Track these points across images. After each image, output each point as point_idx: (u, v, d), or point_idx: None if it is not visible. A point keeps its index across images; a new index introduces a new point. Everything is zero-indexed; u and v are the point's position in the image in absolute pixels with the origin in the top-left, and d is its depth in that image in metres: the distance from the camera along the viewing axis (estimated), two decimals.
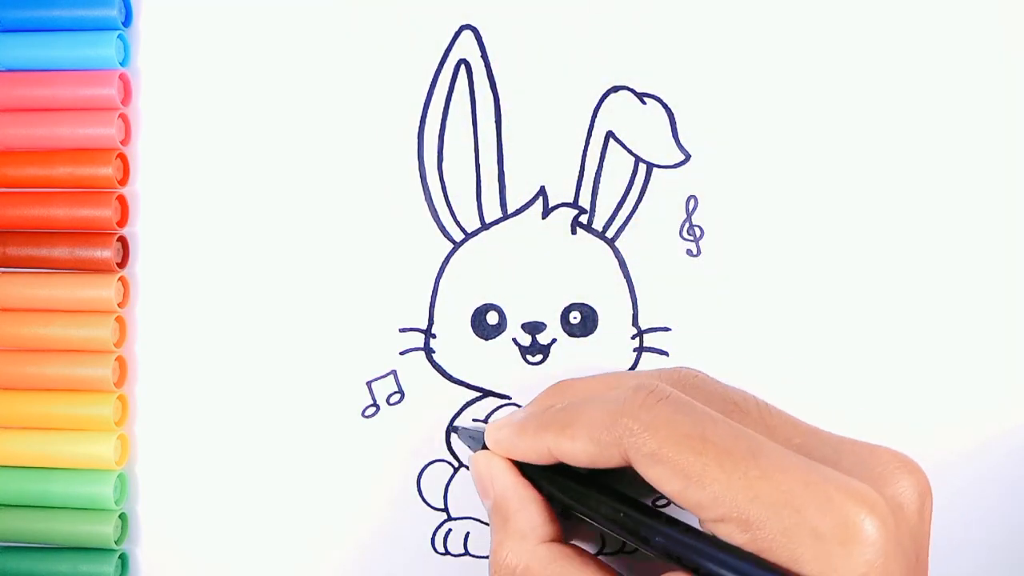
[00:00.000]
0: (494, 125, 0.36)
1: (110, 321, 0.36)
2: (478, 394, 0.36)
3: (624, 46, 0.36)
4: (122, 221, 0.37)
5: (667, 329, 0.36)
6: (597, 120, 0.36)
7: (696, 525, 0.27)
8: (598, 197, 0.36)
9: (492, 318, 0.36)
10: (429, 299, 0.36)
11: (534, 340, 0.36)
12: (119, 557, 0.36)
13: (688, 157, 0.36)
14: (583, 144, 0.36)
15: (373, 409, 0.37)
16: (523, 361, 0.36)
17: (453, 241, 0.36)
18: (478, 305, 0.36)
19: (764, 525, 0.25)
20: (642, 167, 0.36)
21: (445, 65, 0.36)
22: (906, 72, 0.36)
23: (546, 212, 0.36)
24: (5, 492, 0.36)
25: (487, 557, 0.37)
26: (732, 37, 0.36)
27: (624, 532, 0.28)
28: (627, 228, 0.36)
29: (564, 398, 0.32)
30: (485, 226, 0.36)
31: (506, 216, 0.36)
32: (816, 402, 0.36)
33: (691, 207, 0.36)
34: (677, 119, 0.36)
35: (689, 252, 0.36)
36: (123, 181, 0.37)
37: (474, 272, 0.36)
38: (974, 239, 0.36)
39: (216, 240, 0.37)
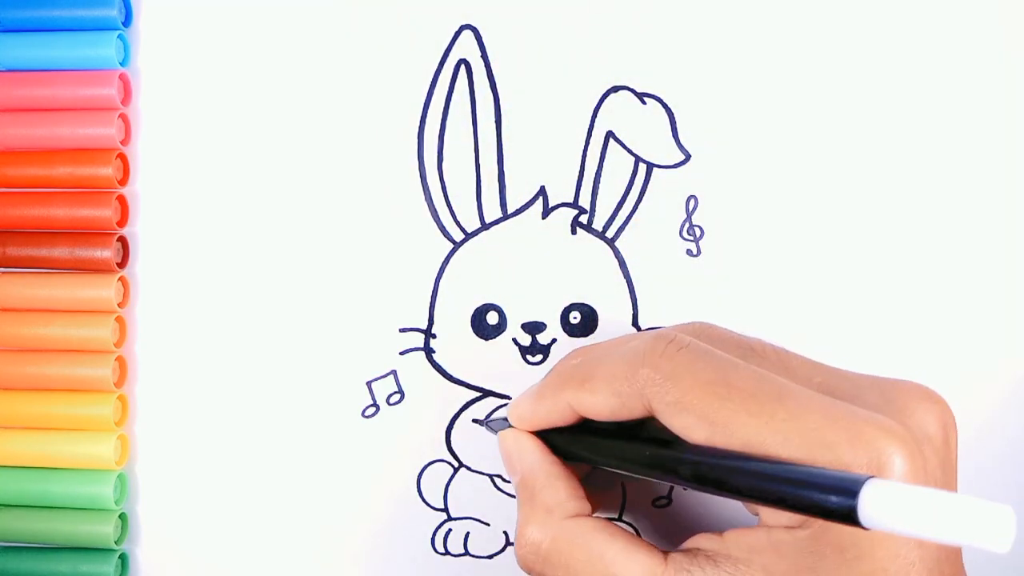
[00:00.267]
0: (494, 125, 0.36)
1: (110, 321, 0.36)
2: (478, 394, 0.36)
3: (624, 46, 0.36)
4: (122, 221, 0.37)
5: None
6: (597, 120, 0.36)
7: None
8: (598, 197, 0.36)
9: (492, 318, 0.36)
10: (429, 299, 0.36)
11: (534, 340, 0.36)
12: (119, 557, 0.36)
13: (688, 157, 0.36)
14: (583, 144, 0.36)
15: (373, 409, 0.37)
16: (523, 361, 0.36)
17: (453, 241, 0.36)
18: (478, 305, 0.36)
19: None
20: (642, 167, 0.36)
21: (445, 65, 0.36)
22: (906, 72, 0.36)
23: (546, 212, 0.36)
24: (5, 492, 0.36)
25: (487, 557, 0.37)
26: (732, 37, 0.36)
27: (654, 471, 0.28)
28: (627, 228, 0.36)
29: (577, 358, 0.32)
30: (485, 226, 0.36)
31: (506, 216, 0.36)
32: None
33: (691, 207, 0.36)
34: (677, 119, 0.36)
35: (689, 252, 0.36)
36: (123, 181, 0.37)
37: (474, 272, 0.36)
38: (974, 239, 0.36)
39: (216, 240, 0.37)
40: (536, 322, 0.36)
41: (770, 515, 0.26)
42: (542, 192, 0.36)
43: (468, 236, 0.36)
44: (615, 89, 0.36)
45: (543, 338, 0.36)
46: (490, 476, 0.37)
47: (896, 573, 0.25)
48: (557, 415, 0.30)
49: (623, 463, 0.29)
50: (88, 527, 0.36)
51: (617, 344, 0.32)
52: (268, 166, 0.37)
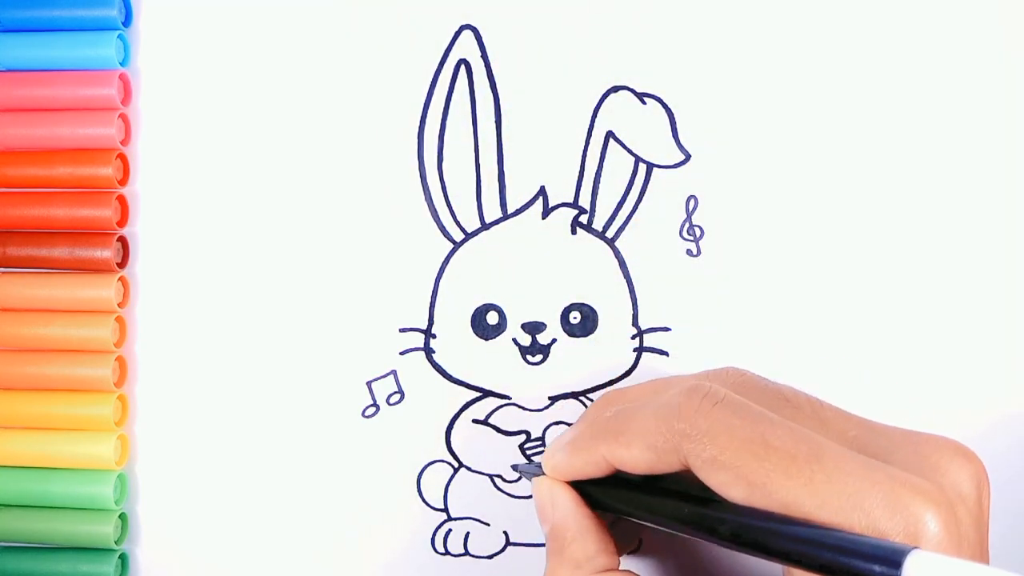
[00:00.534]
0: (494, 125, 0.36)
1: (110, 321, 0.36)
2: (478, 394, 0.36)
3: (624, 46, 0.36)
4: (122, 221, 0.37)
5: (667, 329, 0.36)
6: (597, 120, 0.36)
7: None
8: (598, 197, 0.36)
9: (492, 318, 0.36)
10: (429, 299, 0.36)
11: (534, 340, 0.36)
12: (119, 557, 0.36)
13: (688, 157, 0.36)
14: (583, 144, 0.36)
15: (373, 409, 0.37)
16: (523, 361, 0.36)
17: (453, 241, 0.36)
18: (478, 305, 0.36)
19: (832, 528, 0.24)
20: (642, 167, 0.36)
21: (445, 65, 0.36)
22: (906, 72, 0.36)
23: (546, 212, 0.36)
24: (5, 492, 0.36)
25: (487, 557, 0.37)
26: (732, 37, 0.36)
27: (690, 528, 0.27)
28: (627, 228, 0.36)
29: (612, 407, 0.32)
30: (485, 226, 0.36)
31: (506, 216, 0.36)
32: None
33: (691, 207, 0.36)
34: (677, 119, 0.36)
35: (689, 252, 0.36)
36: (123, 181, 0.37)
37: (474, 272, 0.36)
38: (974, 239, 0.36)
39: (216, 240, 0.37)
40: (536, 322, 0.36)
41: None
42: (542, 192, 0.36)
43: (468, 236, 0.36)
44: (615, 89, 0.36)
45: (543, 338, 0.36)
46: (490, 476, 0.37)
47: None
48: (592, 467, 0.30)
49: (660, 518, 0.29)
50: (88, 527, 0.36)
51: (652, 390, 0.32)
52: (268, 166, 0.37)
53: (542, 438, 0.36)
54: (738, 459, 0.26)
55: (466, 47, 0.36)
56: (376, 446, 0.37)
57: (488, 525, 0.37)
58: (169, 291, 0.37)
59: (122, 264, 0.37)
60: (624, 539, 0.33)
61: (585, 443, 0.30)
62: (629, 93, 0.36)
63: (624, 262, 0.36)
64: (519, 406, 0.36)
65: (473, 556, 0.37)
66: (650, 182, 0.36)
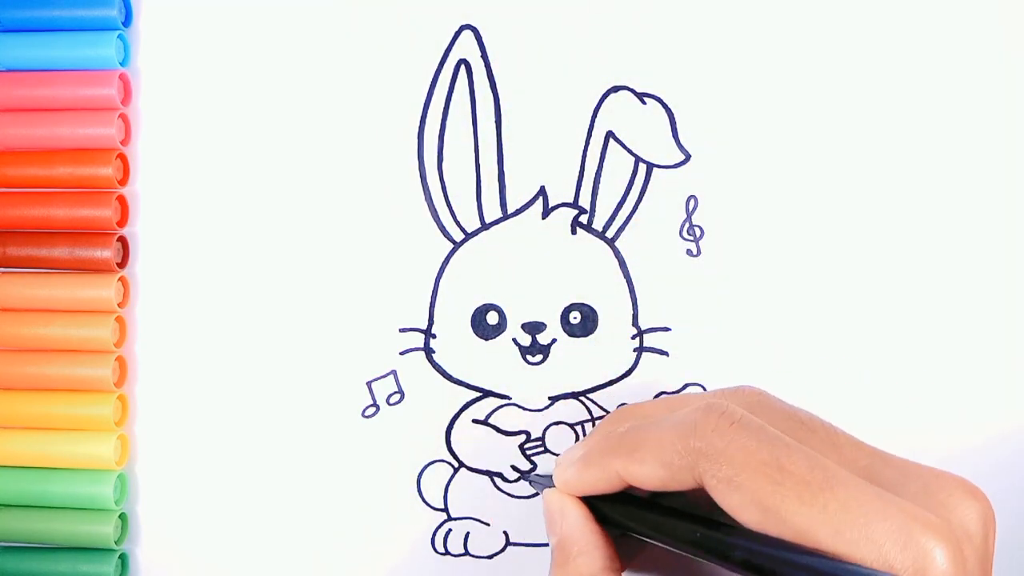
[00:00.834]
0: (494, 125, 0.36)
1: (110, 321, 0.36)
2: (478, 394, 0.36)
3: (624, 46, 0.36)
4: (122, 221, 0.37)
5: (667, 329, 0.36)
6: (597, 120, 0.36)
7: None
8: (598, 197, 0.36)
9: (492, 318, 0.36)
10: (429, 299, 0.36)
11: (534, 340, 0.36)
12: (119, 557, 0.36)
13: (688, 157, 0.36)
14: (583, 144, 0.36)
15: (373, 409, 0.37)
16: (523, 361, 0.36)
17: (453, 241, 0.36)
18: (478, 305, 0.36)
19: (843, 559, 0.25)
20: (642, 167, 0.36)
21: (445, 65, 0.36)
22: (906, 72, 0.36)
23: (546, 212, 0.36)
24: (5, 492, 0.36)
25: (487, 557, 0.37)
26: (732, 37, 0.36)
27: (701, 551, 0.27)
28: (627, 228, 0.36)
29: (626, 423, 0.32)
30: (485, 226, 0.36)
31: (506, 216, 0.36)
32: (816, 402, 0.36)
33: (691, 207, 0.36)
34: (677, 119, 0.36)
35: (689, 252, 0.36)
36: (123, 181, 0.37)
37: (474, 272, 0.36)
38: (975, 239, 0.36)
39: (216, 240, 0.37)
40: (536, 322, 0.36)
41: None
42: (542, 192, 0.36)
43: (468, 236, 0.36)
44: (615, 89, 0.36)
45: (543, 338, 0.36)
46: (490, 476, 0.37)
47: None
48: (604, 483, 0.30)
49: (670, 539, 0.28)
50: (88, 527, 0.36)
51: (667, 407, 0.32)
52: (268, 166, 0.37)
53: (542, 438, 0.36)
54: (753, 481, 0.26)
55: (466, 47, 0.36)
56: (376, 446, 0.37)
57: (488, 525, 0.37)
58: (169, 291, 0.37)
59: (122, 264, 0.37)
60: (626, 555, 0.33)
61: (598, 458, 0.30)
62: (629, 93, 0.36)
63: (624, 262, 0.36)
64: (519, 406, 0.36)
65: (473, 556, 0.37)
66: (650, 182, 0.36)
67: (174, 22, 0.37)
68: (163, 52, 0.37)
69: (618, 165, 0.36)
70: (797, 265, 0.36)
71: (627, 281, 0.36)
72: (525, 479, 0.36)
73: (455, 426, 0.36)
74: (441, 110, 0.36)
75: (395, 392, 0.37)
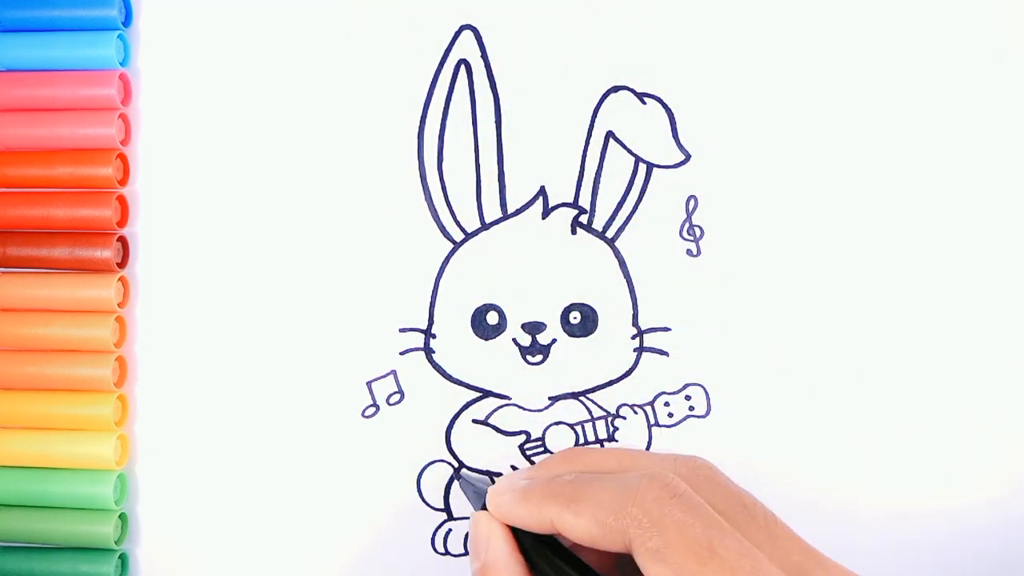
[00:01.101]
0: (494, 125, 0.36)
1: (110, 321, 0.36)
2: (478, 394, 0.36)
3: (624, 46, 0.36)
4: (122, 221, 0.37)
5: (667, 329, 0.36)
6: (597, 120, 0.36)
7: None
8: (598, 197, 0.36)
9: (492, 318, 0.36)
10: (429, 299, 0.36)
11: (534, 340, 0.36)
12: (119, 557, 0.36)
13: (688, 157, 0.36)
14: (583, 144, 0.36)
15: (373, 409, 0.37)
16: (523, 361, 0.36)
17: (453, 241, 0.36)
18: (478, 305, 0.36)
19: None
20: (642, 167, 0.36)
21: (445, 65, 0.36)
22: (906, 72, 0.36)
23: (546, 212, 0.36)
24: (5, 492, 0.36)
25: None
26: (732, 37, 0.36)
27: None
28: (627, 228, 0.36)
29: (573, 467, 0.33)
30: (485, 226, 0.36)
31: (506, 216, 0.36)
32: (816, 402, 0.36)
33: (691, 207, 0.36)
34: (677, 119, 0.36)
35: (689, 252, 0.36)
36: (123, 181, 0.37)
37: (474, 272, 0.36)
38: (975, 239, 0.36)
39: (216, 240, 0.37)
40: (536, 322, 0.36)
41: None
42: (542, 192, 0.36)
43: (468, 236, 0.36)
44: (615, 89, 0.36)
45: (543, 338, 0.36)
46: (490, 476, 0.37)
47: None
48: (535, 524, 0.31)
49: None
50: (88, 527, 0.36)
51: (617, 460, 0.33)
52: (268, 166, 0.37)
53: (542, 438, 0.36)
54: (681, 558, 0.26)
55: (466, 47, 0.36)
56: (376, 446, 0.37)
57: None
58: (169, 291, 0.37)
59: (122, 264, 0.37)
60: None
61: (537, 498, 0.31)
62: (629, 93, 0.36)
63: (624, 262, 0.36)
64: (519, 406, 0.36)
65: None
66: (650, 182, 0.36)
67: (174, 22, 0.37)
68: (163, 52, 0.37)
69: (618, 165, 0.36)
70: (797, 265, 0.36)
71: (627, 281, 0.36)
72: (458, 479, 0.36)
73: (455, 426, 0.36)
74: (441, 110, 0.36)
75: (395, 392, 0.37)
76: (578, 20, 0.36)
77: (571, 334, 0.36)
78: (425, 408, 0.36)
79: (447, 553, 0.37)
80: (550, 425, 0.36)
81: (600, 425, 0.36)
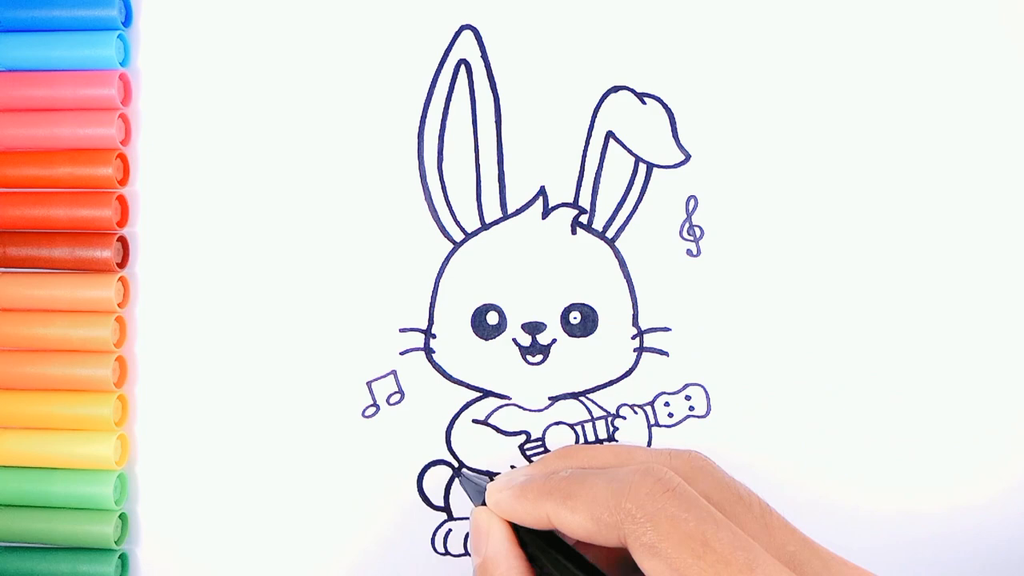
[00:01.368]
0: (494, 125, 0.36)
1: (110, 321, 0.36)
2: (478, 394, 0.36)
3: (624, 46, 0.36)
4: (122, 221, 0.37)
5: (667, 329, 0.36)
6: (597, 120, 0.36)
7: None
8: (598, 197, 0.36)
9: (492, 318, 0.36)
10: (429, 299, 0.36)
11: (534, 340, 0.36)
12: (119, 557, 0.36)
13: (688, 157, 0.36)
14: (583, 144, 0.36)
15: (373, 409, 0.37)
16: (523, 361, 0.36)
17: (453, 241, 0.36)
18: (478, 305, 0.36)
19: None
20: (642, 167, 0.36)
21: (445, 65, 0.36)
22: (907, 72, 0.36)
23: (546, 212, 0.36)
24: (5, 492, 0.36)
25: None
26: (732, 37, 0.36)
27: None
28: (627, 228, 0.36)
29: (570, 464, 0.33)
30: (485, 226, 0.36)
31: (506, 216, 0.36)
32: (816, 402, 0.36)
33: (691, 207, 0.36)
34: (677, 119, 0.36)
35: (689, 252, 0.36)
36: (123, 181, 0.37)
37: (474, 272, 0.36)
38: (974, 238, 0.36)
39: (216, 240, 0.37)
40: (536, 322, 0.36)
41: None
42: (542, 192, 0.36)
43: (468, 236, 0.36)
44: (615, 89, 0.36)
45: (543, 338, 0.36)
46: (490, 476, 0.37)
47: None
48: (532, 520, 0.31)
49: None
50: (88, 527, 0.36)
51: (613, 455, 0.33)
52: (268, 166, 0.37)
53: (542, 438, 0.36)
54: (676, 551, 0.27)
55: (466, 47, 0.36)
56: (376, 446, 0.37)
57: None
58: (169, 291, 0.37)
59: (122, 264, 0.37)
60: None
61: (534, 495, 0.31)
62: (629, 93, 0.36)
63: (624, 262, 0.36)
64: (519, 406, 0.36)
65: None
66: (650, 182, 0.36)
67: (174, 22, 0.37)
68: (163, 52, 0.37)
69: (618, 165, 0.36)
70: (797, 265, 0.36)
71: (627, 281, 0.36)
72: (458, 476, 0.36)
73: (455, 426, 0.36)
74: (441, 110, 0.36)
75: (395, 392, 0.37)
76: (578, 20, 0.36)
77: (571, 334, 0.36)
78: (425, 408, 0.36)
79: (447, 553, 0.37)
80: (550, 425, 0.36)
81: (600, 425, 0.36)
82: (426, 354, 0.36)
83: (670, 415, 0.36)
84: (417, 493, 0.37)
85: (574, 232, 0.36)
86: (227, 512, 0.37)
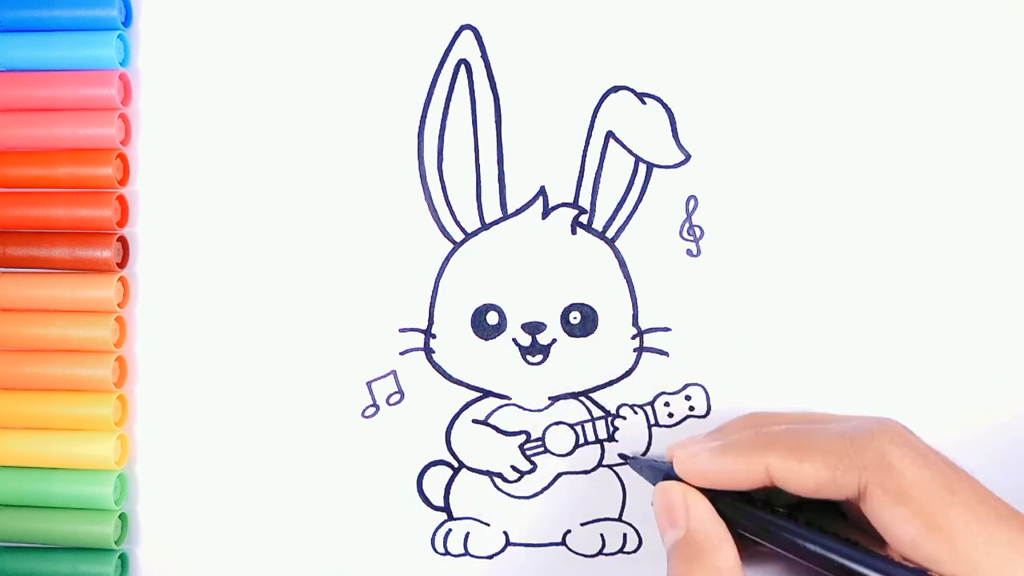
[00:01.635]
0: (494, 125, 0.36)
1: (110, 321, 0.36)
2: (478, 394, 0.36)
3: (624, 46, 0.36)
4: (122, 221, 0.37)
5: (667, 329, 0.36)
6: (597, 120, 0.36)
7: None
8: (598, 197, 0.36)
9: (492, 318, 0.36)
10: (429, 299, 0.36)
11: (534, 340, 0.36)
12: (119, 557, 0.36)
13: (688, 157, 0.36)
14: (583, 144, 0.36)
15: (373, 409, 0.37)
16: (523, 361, 0.36)
17: (453, 241, 0.36)
18: (478, 305, 0.36)
19: None
20: (642, 167, 0.36)
21: (445, 65, 0.36)
22: (906, 72, 0.36)
23: (546, 212, 0.36)
24: (5, 492, 0.36)
25: (487, 557, 0.37)
26: (732, 37, 0.36)
27: (831, 568, 0.27)
28: (627, 228, 0.36)
29: (763, 425, 0.31)
30: (485, 226, 0.36)
31: (506, 216, 0.36)
32: (815, 402, 0.36)
33: (691, 207, 0.36)
34: (677, 119, 0.36)
35: (689, 252, 0.36)
36: (123, 181, 0.37)
37: (474, 272, 0.36)
38: (975, 239, 0.36)
39: (216, 240, 0.37)
40: (536, 322, 0.36)
41: None
42: (542, 192, 0.36)
43: (468, 236, 0.36)
44: (615, 89, 0.36)
45: (543, 338, 0.36)
46: (490, 476, 0.37)
47: None
48: (744, 476, 0.29)
49: (801, 550, 0.28)
50: (88, 527, 0.36)
51: (807, 418, 0.32)
52: (268, 166, 0.37)
53: (542, 438, 0.36)
54: (925, 497, 0.26)
55: (466, 47, 0.36)
56: (376, 446, 0.37)
57: (488, 525, 0.37)
58: (169, 291, 0.37)
59: (122, 264, 0.37)
60: None
61: (748, 450, 0.29)
62: (629, 93, 0.36)
63: (624, 262, 0.36)
64: (519, 406, 0.36)
65: (473, 556, 0.37)
66: (650, 182, 0.36)
67: (174, 22, 0.37)
68: (163, 52, 0.37)
69: (618, 165, 0.36)
70: (797, 265, 0.36)
71: (627, 281, 0.36)
72: (625, 460, 0.36)
73: (455, 426, 0.36)
74: (441, 110, 0.36)
75: (395, 392, 0.37)
76: (578, 20, 0.36)
77: (571, 334, 0.36)
78: (425, 408, 0.36)
79: (447, 553, 0.37)
80: (550, 425, 0.36)
81: (600, 425, 0.36)
82: (426, 354, 0.36)
83: (670, 415, 0.36)
84: (417, 493, 0.37)
85: (574, 232, 0.36)
86: (227, 512, 0.37)
